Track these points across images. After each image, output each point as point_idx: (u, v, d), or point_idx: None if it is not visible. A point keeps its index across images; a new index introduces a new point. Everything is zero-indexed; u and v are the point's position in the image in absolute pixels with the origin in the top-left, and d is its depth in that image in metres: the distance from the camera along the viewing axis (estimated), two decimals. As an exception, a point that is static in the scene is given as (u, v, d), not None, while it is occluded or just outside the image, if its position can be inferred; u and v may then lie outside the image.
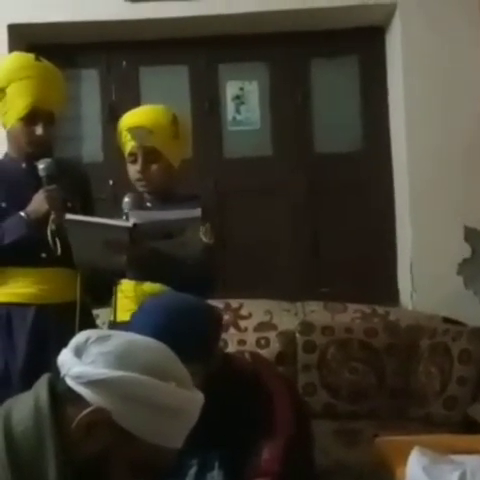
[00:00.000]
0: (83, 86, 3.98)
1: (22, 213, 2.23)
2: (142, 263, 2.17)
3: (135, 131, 2.35)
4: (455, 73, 3.61)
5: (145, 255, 2.13)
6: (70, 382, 1.07)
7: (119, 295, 2.25)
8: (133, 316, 1.80)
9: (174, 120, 2.39)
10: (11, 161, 2.38)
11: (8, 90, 2.28)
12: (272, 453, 1.68)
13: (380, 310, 3.48)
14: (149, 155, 2.36)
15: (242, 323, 3.41)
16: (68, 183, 2.30)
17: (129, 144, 2.38)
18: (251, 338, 3.32)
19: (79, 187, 2.41)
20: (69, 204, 2.27)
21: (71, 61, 3.82)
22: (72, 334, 1.16)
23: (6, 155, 2.41)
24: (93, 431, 1.05)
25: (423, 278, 3.62)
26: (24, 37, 3.71)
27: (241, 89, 3.99)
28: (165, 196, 2.38)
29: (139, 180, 2.38)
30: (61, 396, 1.08)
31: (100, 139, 3.95)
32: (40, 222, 2.20)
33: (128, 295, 2.25)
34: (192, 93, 3.97)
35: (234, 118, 4.00)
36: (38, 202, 2.23)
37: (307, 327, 3.29)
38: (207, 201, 2.74)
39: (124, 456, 1.07)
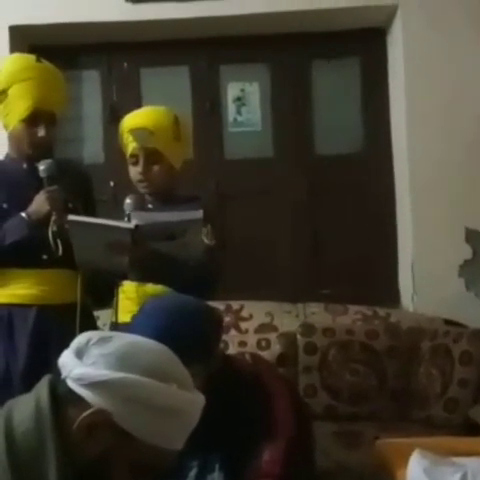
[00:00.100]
0: (84, 87, 3.98)
1: (23, 214, 2.23)
2: (144, 264, 2.17)
3: (136, 132, 2.35)
4: (456, 74, 3.61)
5: (147, 256, 2.13)
6: (71, 384, 1.07)
7: (121, 296, 2.25)
8: (134, 318, 1.80)
9: (175, 121, 2.39)
10: (12, 162, 2.38)
11: (10, 92, 2.28)
12: (273, 455, 1.68)
13: (381, 312, 3.48)
14: (150, 156, 2.36)
15: (243, 325, 3.41)
16: (69, 184, 2.30)
17: (130, 145, 2.38)
18: (252, 340, 3.32)
19: (80, 188, 2.41)
20: (70, 205, 2.27)
21: (72, 62, 3.82)
22: (73, 335, 1.16)
23: (7, 156, 2.41)
24: (94, 432, 1.05)
25: (424, 280, 3.61)
26: (25, 38, 3.71)
27: (242, 90, 3.99)
28: (166, 197, 2.38)
29: (140, 181, 2.38)
30: (62, 397, 1.08)
31: (101, 140, 3.95)
32: (41, 223, 2.20)
33: (130, 296, 2.25)
34: (193, 94, 3.97)
35: (235, 119, 4.00)
36: (39, 203, 2.22)
37: (308, 329, 3.29)
38: (208, 202, 2.74)
39: (125, 457, 1.07)
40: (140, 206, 2.28)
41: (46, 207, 2.21)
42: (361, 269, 3.83)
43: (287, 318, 3.45)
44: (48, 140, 2.32)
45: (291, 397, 1.80)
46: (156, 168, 2.37)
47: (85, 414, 1.04)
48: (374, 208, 3.88)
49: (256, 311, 3.46)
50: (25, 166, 2.34)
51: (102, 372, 1.05)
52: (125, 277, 2.26)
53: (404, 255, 3.79)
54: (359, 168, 3.91)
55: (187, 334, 1.61)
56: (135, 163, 2.38)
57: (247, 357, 1.94)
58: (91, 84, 3.99)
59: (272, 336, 3.32)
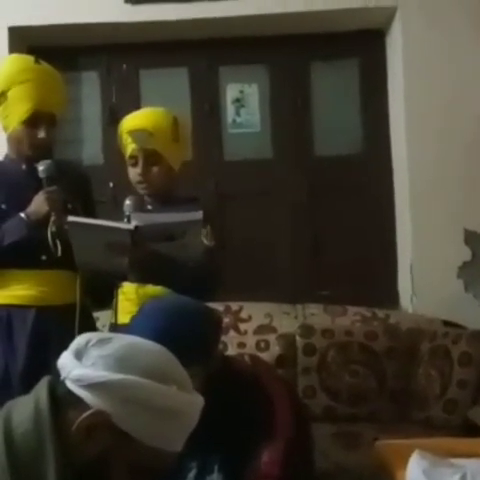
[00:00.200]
0: (83, 88, 3.98)
1: (22, 214, 2.23)
2: (143, 265, 2.17)
3: (136, 134, 2.35)
4: (455, 76, 3.61)
5: (147, 257, 2.13)
6: (70, 385, 1.07)
7: (120, 297, 2.25)
8: (133, 319, 1.80)
9: (175, 123, 2.39)
10: (11, 163, 2.37)
11: (9, 94, 2.28)
12: (272, 456, 1.68)
13: (380, 313, 3.48)
14: (150, 158, 2.36)
15: (242, 326, 3.41)
16: (68, 184, 2.30)
17: (130, 147, 2.38)
18: (251, 341, 3.32)
19: (79, 188, 2.41)
20: (69, 205, 2.27)
21: (71, 63, 3.82)
22: (72, 336, 1.16)
23: (6, 157, 2.41)
24: (93, 434, 1.05)
25: (423, 281, 3.62)
26: (25, 39, 3.71)
27: (241, 92, 3.99)
28: (165, 198, 2.38)
29: (140, 183, 2.38)
30: (61, 399, 1.08)
31: (100, 141, 3.95)
32: (40, 223, 2.20)
33: (129, 297, 2.25)
34: (192, 96, 3.97)
35: (234, 121, 4.00)
36: (38, 203, 2.22)
37: (307, 330, 3.29)
38: (207, 203, 2.74)
39: (124, 459, 1.06)
40: (140, 207, 2.28)
41: (45, 207, 2.21)
42: (360, 270, 3.83)
43: (286, 319, 3.44)
44: (48, 141, 2.32)
45: (290, 398, 1.80)
46: (155, 169, 2.37)
47: (84, 415, 1.04)
48: (373, 209, 3.88)
49: (255, 312, 3.46)
50: (24, 167, 2.34)
51: (101, 373, 1.05)
52: (125, 278, 2.26)
53: (403, 256, 3.79)
54: (358, 169, 3.91)
55: (186, 335, 1.61)
56: (134, 164, 2.38)
57: (246, 358, 1.94)
58: (90, 85, 3.99)
59: (271, 337, 3.32)
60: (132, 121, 2.41)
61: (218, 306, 3.12)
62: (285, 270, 3.87)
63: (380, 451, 2.15)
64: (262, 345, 3.29)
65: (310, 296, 3.67)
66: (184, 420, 1.10)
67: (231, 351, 3.17)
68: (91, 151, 3.97)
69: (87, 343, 1.10)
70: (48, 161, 2.27)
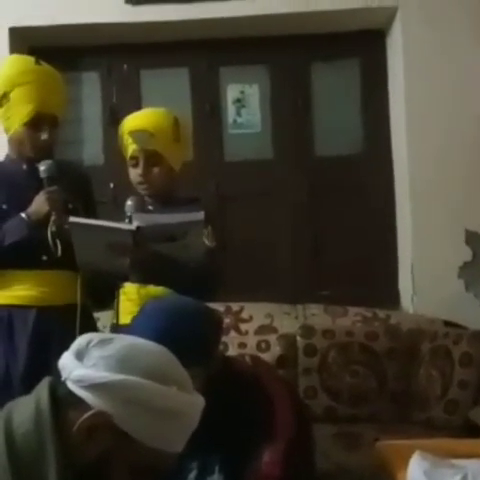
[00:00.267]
0: (84, 89, 3.98)
1: (23, 214, 2.23)
2: (145, 266, 2.17)
3: (136, 134, 2.35)
4: (456, 76, 3.61)
5: (148, 258, 2.13)
6: (71, 385, 1.07)
7: (122, 298, 2.25)
8: (134, 319, 1.80)
9: (175, 123, 2.39)
10: (12, 163, 2.37)
11: (11, 95, 2.28)
12: (272, 457, 1.67)
13: (381, 314, 3.48)
14: (151, 158, 2.36)
15: (243, 326, 3.41)
16: (69, 185, 2.30)
17: (130, 147, 2.38)
18: (252, 341, 3.32)
19: (80, 188, 2.41)
20: (70, 205, 2.27)
21: (72, 64, 3.82)
22: (73, 337, 1.16)
23: (7, 157, 2.41)
24: (94, 434, 1.05)
25: (424, 281, 3.61)
26: (25, 40, 3.71)
27: (242, 92, 3.99)
28: (166, 199, 2.38)
29: (140, 183, 2.38)
30: (62, 399, 1.08)
31: (101, 142, 3.95)
32: (41, 223, 2.20)
33: (131, 298, 2.25)
34: (193, 96, 3.97)
35: (235, 121, 4.00)
36: (39, 203, 2.22)
37: (308, 330, 3.29)
38: (208, 204, 2.74)
39: (125, 459, 1.06)
40: (141, 208, 2.28)
41: (46, 207, 2.21)
42: (361, 271, 3.83)
43: (287, 320, 3.44)
44: (50, 143, 2.32)
45: (291, 399, 1.80)
46: (156, 170, 2.37)
47: (85, 416, 1.04)
48: (374, 209, 3.88)
49: (256, 313, 3.46)
50: (25, 167, 2.34)
51: (102, 374, 1.05)
52: (126, 278, 2.26)
53: (404, 256, 3.79)
54: (359, 170, 3.91)
55: (187, 336, 1.61)
56: (135, 165, 2.38)
57: (247, 359, 1.94)
58: (91, 86, 3.99)
59: (272, 338, 3.32)
60: (133, 122, 2.41)
61: (219, 306, 3.12)
62: (286, 270, 3.87)
63: (381, 452, 2.15)
64: (263, 345, 3.29)
65: (311, 296, 3.67)
66: (185, 421, 1.10)
67: (232, 351, 3.17)
68: (92, 151, 3.97)
69: (88, 344, 1.09)
70: (49, 161, 2.27)
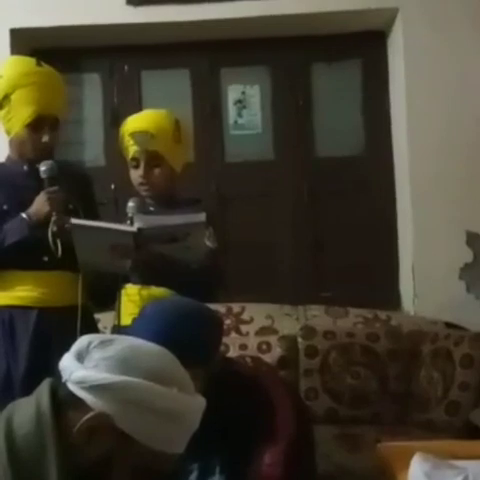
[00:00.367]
0: (85, 90, 3.98)
1: (24, 215, 2.23)
2: (146, 267, 2.17)
3: (138, 136, 2.35)
4: (457, 77, 3.61)
5: (149, 259, 2.13)
6: (72, 387, 1.07)
7: (124, 299, 2.25)
8: (134, 321, 1.80)
9: (176, 124, 2.39)
10: (13, 164, 2.38)
11: (12, 97, 2.28)
12: (273, 458, 1.67)
13: (382, 315, 3.48)
14: (152, 160, 2.36)
15: (243, 327, 3.41)
16: (70, 185, 2.30)
17: (132, 149, 2.38)
18: (252, 342, 3.32)
19: (81, 189, 2.41)
20: (71, 206, 2.28)
21: (73, 65, 3.83)
22: (74, 338, 1.16)
23: (8, 158, 2.41)
24: (95, 436, 1.05)
25: (425, 283, 3.61)
26: (26, 41, 3.71)
27: (243, 93, 3.99)
28: (167, 200, 2.38)
29: (141, 184, 2.38)
30: (63, 401, 1.07)
31: (102, 143, 3.96)
32: (42, 223, 2.21)
33: (133, 299, 2.25)
34: (194, 97, 3.97)
35: (236, 122, 4.00)
36: (40, 203, 2.23)
37: (309, 332, 3.28)
38: (209, 205, 2.74)
39: (125, 461, 1.06)
40: (143, 209, 2.28)
41: (46, 207, 2.21)
42: (362, 272, 3.82)
43: (288, 321, 3.44)
44: (51, 145, 2.32)
45: (292, 400, 1.80)
46: (157, 171, 2.37)
47: (86, 417, 1.04)
48: (375, 211, 3.88)
49: (257, 314, 3.46)
50: (26, 168, 2.34)
51: (103, 375, 1.05)
52: (128, 280, 2.26)
53: (405, 258, 3.79)
54: (360, 171, 3.91)
55: (187, 337, 1.61)
56: (136, 166, 2.39)
57: (248, 360, 1.94)
58: (92, 87, 3.99)
59: (273, 339, 3.31)
60: (134, 123, 2.41)
61: (220, 307, 3.12)
62: (287, 271, 3.87)
63: (382, 453, 2.15)
64: (264, 347, 3.29)
65: (312, 298, 3.67)
66: (186, 422, 1.10)
67: (233, 353, 3.17)
68: (93, 153, 3.97)
69: (89, 345, 1.09)
70: (50, 162, 2.28)
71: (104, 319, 2.63)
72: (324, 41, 3.89)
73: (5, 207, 2.28)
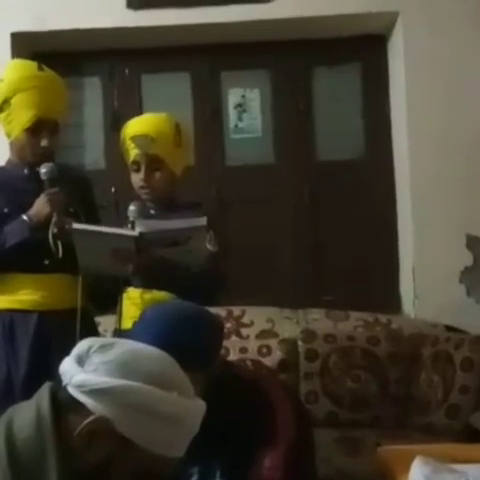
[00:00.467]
0: (86, 94, 3.99)
1: (24, 216, 2.23)
2: (147, 271, 2.17)
3: (138, 139, 2.36)
4: (457, 81, 3.62)
5: (151, 263, 2.14)
6: (72, 390, 1.07)
7: (126, 302, 2.25)
8: (135, 325, 1.80)
9: (177, 128, 2.39)
10: (13, 167, 2.38)
11: (12, 101, 2.28)
12: (273, 461, 1.67)
13: (382, 318, 3.48)
14: (152, 163, 2.36)
15: (244, 331, 3.41)
16: (70, 188, 2.30)
17: (132, 152, 2.39)
18: (253, 346, 3.32)
19: (81, 192, 2.41)
20: (71, 209, 2.28)
21: (74, 69, 3.83)
22: (74, 341, 1.16)
23: (8, 161, 2.41)
24: (95, 440, 1.05)
25: (425, 286, 3.61)
26: (27, 45, 3.72)
27: (243, 96, 4.00)
28: (168, 204, 2.38)
29: (142, 188, 2.39)
30: (63, 404, 1.08)
31: (102, 146, 3.96)
32: (42, 225, 2.21)
33: (134, 302, 2.25)
34: (194, 100, 3.97)
35: (236, 126, 4.00)
36: (40, 205, 2.23)
37: (309, 335, 3.28)
38: (209, 209, 2.74)
39: (125, 465, 1.06)
40: (144, 213, 2.28)
41: (47, 209, 2.21)
42: (362, 275, 3.82)
43: (288, 324, 3.44)
44: (50, 149, 2.32)
45: (292, 403, 1.79)
46: (158, 175, 2.37)
47: (86, 421, 1.04)
48: (375, 214, 3.88)
49: (257, 317, 3.46)
50: (26, 172, 2.34)
51: (103, 379, 1.05)
52: (128, 283, 2.26)
53: (405, 261, 3.79)
54: (360, 174, 3.91)
55: (188, 341, 1.61)
56: (137, 170, 2.39)
57: (248, 363, 1.94)
58: (92, 90, 4.00)
59: (273, 342, 3.31)
60: (134, 127, 2.42)
61: (220, 311, 3.12)
62: (287, 275, 3.87)
63: (382, 457, 2.15)
64: (264, 350, 3.28)
65: (312, 301, 3.66)
66: (186, 426, 1.09)
67: (233, 356, 3.17)
68: (93, 156, 3.98)
69: (89, 349, 1.09)
70: (50, 164, 2.28)
71: (105, 322, 2.63)
72: (324, 45, 3.90)
73: (6, 210, 2.28)
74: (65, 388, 1.08)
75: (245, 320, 3.44)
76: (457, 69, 3.62)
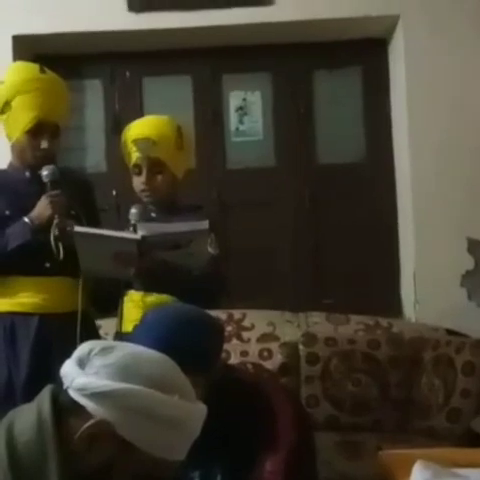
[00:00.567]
0: (87, 96, 3.99)
1: (26, 219, 2.24)
2: (149, 274, 2.17)
3: (140, 142, 2.36)
4: (458, 84, 3.62)
5: (152, 266, 2.14)
6: (73, 394, 1.06)
7: (127, 305, 2.25)
8: (135, 328, 1.80)
9: (178, 131, 2.40)
10: (14, 171, 2.38)
11: (13, 103, 2.28)
12: (274, 465, 1.67)
13: (383, 322, 3.47)
14: (154, 166, 2.37)
15: (245, 334, 3.40)
16: (71, 191, 2.31)
17: (134, 155, 2.39)
18: (254, 349, 3.32)
19: (82, 195, 2.42)
20: (72, 212, 2.28)
21: (75, 71, 3.83)
22: (75, 344, 1.16)
23: (10, 164, 2.42)
24: (96, 443, 1.04)
25: (426, 290, 3.61)
26: (28, 48, 3.72)
27: (244, 100, 4.00)
28: (169, 207, 2.38)
29: (144, 191, 2.39)
30: (64, 407, 1.07)
31: (104, 149, 3.96)
32: (44, 227, 2.21)
33: (136, 305, 2.25)
34: (195, 103, 3.98)
35: (237, 129, 4.01)
36: (42, 207, 2.23)
37: (310, 338, 3.28)
38: (210, 211, 2.74)
39: (126, 468, 1.06)
40: (145, 216, 2.28)
41: (49, 211, 2.21)
42: (363, 279, 3.82)
43: (289, 328, 3.44)
44: (51, 152, 2.32)
45: (293, 407, 1.79)
46: (159, 178, 2.37)
47: (87, 425, 1.04)
48: (376, 217, 3.88)
49: (258, 320, 3.46)
50: (28, 174, 2.35)
51: (104, 382, 1.05)
52: (130, 285, 2.26)
53: (406, 265, 3.79)
54: (361, 178, 3.92)
55: (188, 344, 1.60)
56: (138, 173, 2.39)
57: (249, 367, 1.94)
58: (94, 93, 4.00)
59: (274, 346, 3.31)
60: (136, 130, 2.42)
61: (221, 314, 3.12)
62: (288, 278, 3.86)
63: (383, 460, 2.14)
64: (265, 353, 3.28)
65: (313, 304, 3.66)
66: (187, 429, 1.09)
67: (234, 359, 3.17)
68: (94, 159, 3.98)
69: (90, 352, 1.09)
70: (51, 166, 2.29)
71: (106, 325, 2.63)
72: (325, 48, 3.90)
73: (7, 212, 2.29)
74: (66, 391, 1.08)
75: (246, 323, 3.44)
76: (458, 72, 3.62)
